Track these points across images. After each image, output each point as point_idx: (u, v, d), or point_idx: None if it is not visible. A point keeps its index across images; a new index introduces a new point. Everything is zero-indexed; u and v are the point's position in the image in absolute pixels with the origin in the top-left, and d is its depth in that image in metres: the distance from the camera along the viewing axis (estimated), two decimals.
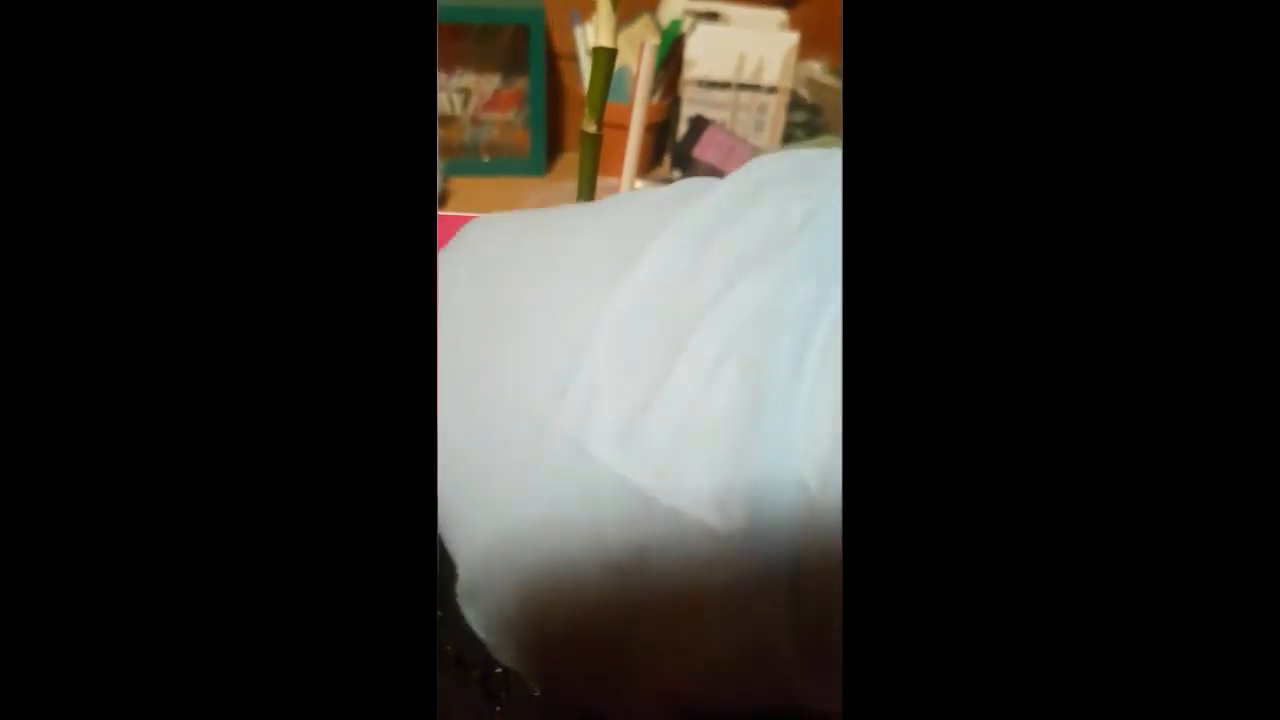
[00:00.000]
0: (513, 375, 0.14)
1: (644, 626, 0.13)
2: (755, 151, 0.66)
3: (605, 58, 0.21)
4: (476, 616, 0.15)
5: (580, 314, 0.14)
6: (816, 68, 0.73)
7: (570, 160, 0.79)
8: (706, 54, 0.69)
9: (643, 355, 0.13)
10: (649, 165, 0.76)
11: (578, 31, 0.72)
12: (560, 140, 0.81)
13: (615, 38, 0.22)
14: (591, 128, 0.22)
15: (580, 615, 0.13)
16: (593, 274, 0.14)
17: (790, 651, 0.12)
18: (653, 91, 0.71)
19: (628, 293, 0.14)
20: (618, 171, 0.58)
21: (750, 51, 0.69)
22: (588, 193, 0.24)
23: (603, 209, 0.17)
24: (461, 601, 0.15)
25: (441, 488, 0.15)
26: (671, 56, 0.70)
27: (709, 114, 0.70)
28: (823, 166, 0.15)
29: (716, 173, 0.68)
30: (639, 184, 0.73)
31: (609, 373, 0.13)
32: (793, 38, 0.69)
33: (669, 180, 0.74)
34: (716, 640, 0.12)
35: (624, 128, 0.52)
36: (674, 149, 0.72)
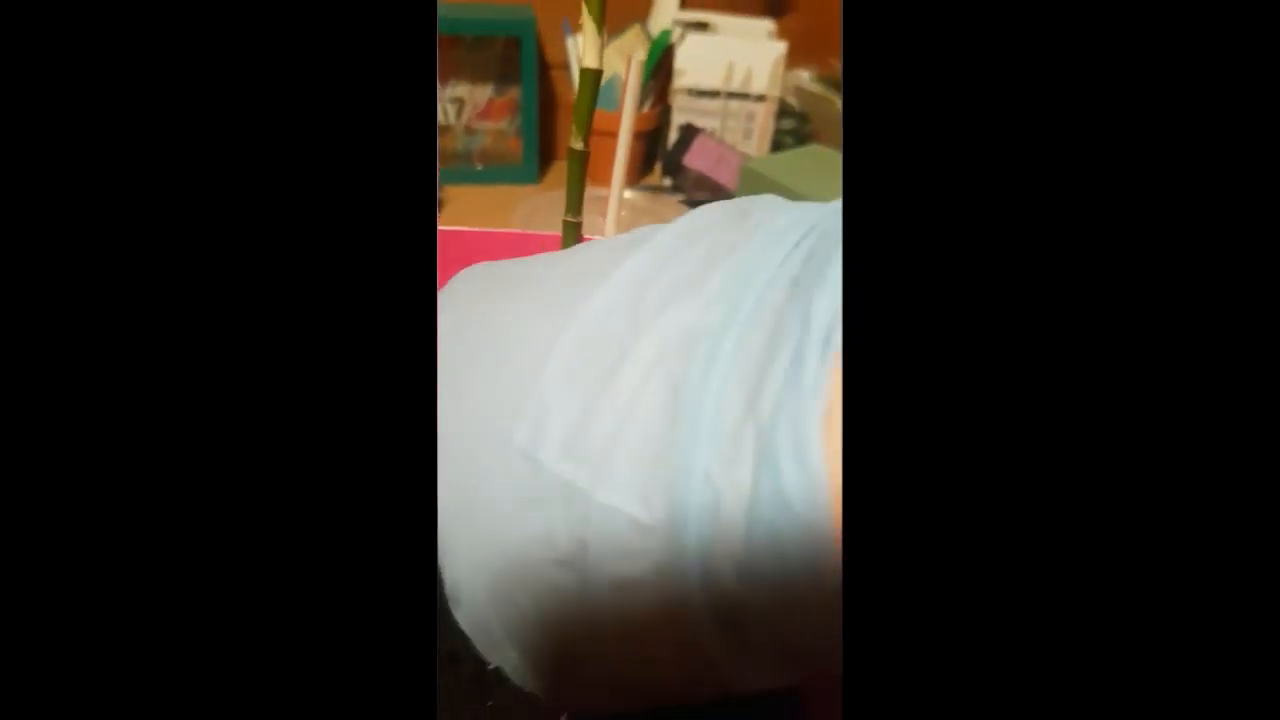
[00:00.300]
0: (476, 399, 0.16)
1: (591, 617, 0.14)
2: (745, 159, 0.66)
3: (591, 79, 0.22)
4: (463, 617, 0.16)
5: (534, 348, 0.16)
6: (805, 76, 0.74)
7: (563, 167, 0.80)
8: (696, 63, 0.70)
9: (586, 376, 0.15)
10: (640, 173, 0.77)
11: (569, 41, 0.73)
12: (553, 148, 0.82)
13: (601, 59, 0.23)
14: (579, 145, 0.23)
15: (541, 611, 0.15)
16: (550, 311, 0.16)
17: (712, 637, 0.14)
18: (643, 101, 0.72)
19: (576, 324, 0.16)
20: (608, 181, 0.59)
21: (739, 60, 0.70)
22: (575, 205, 0.24)
23: (567, 256, 0.19)
24: (450, 604, 0.16)
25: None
26: (661, 66, 0.71)
27: (699, 122, 0.71)
28: (752, 209, 0.17)
29: (706, 180, 0.69)
30: (628, 194, 0.73)
31: (557, 392, 0.15)
32: (781, 47, 0.70)
33: (660, 188, 0.74)
34: (650, 627, 0.14)
35: (614, 135, 0.53)
36: (664, 157, 0.72)
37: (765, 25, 0.74)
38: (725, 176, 0.68)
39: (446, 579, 0.16)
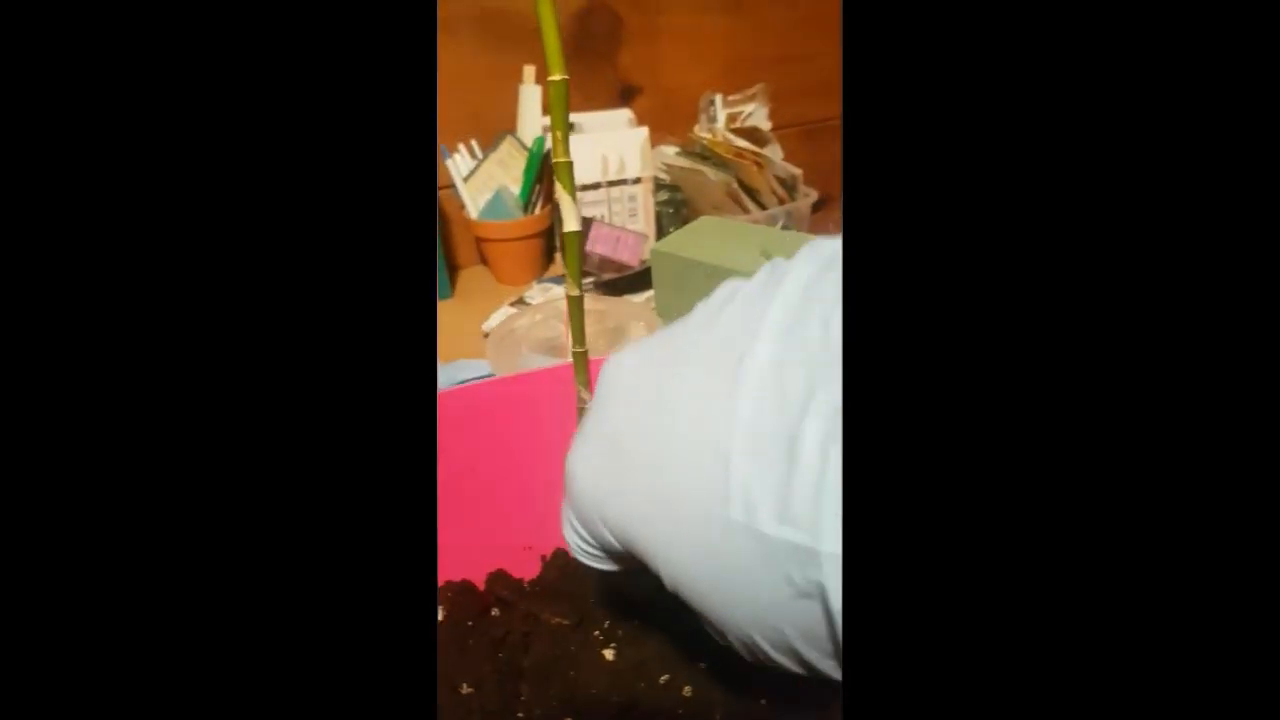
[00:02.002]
0: (677, 478, 0.18)
1: (837, 628, 0.16)
2: (642, 238, 0.73)
3: (575, 240, 0.28)
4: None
5: (713, 427, 0.18)
6: (669, 151, 0.82)
7: (469, 275, 0.84)
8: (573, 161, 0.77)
9: (769, 449, 0.17)
10: (543, 266, 0.82)
11: (449, 164, 0.78)
12: (454, 260, 0.86)
13: (579, 216, 0.28)
14: (574, 291, 0.28)
15: (799, 631, 0.17)
16: (711, 387, 0.19)
17: None
18: (532, 205, 0.78)
19: (743, 407, 0.17)
20: (517, 280, 0.63)
21: (610, 151, 0.77)
22: (580, 337, 0.29)
23: (702, 324, 0.21)
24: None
25: (663, 562, 0.19)
26: (543, 170, 0.77)
27: (589, 212, 0.77)
28: (833, 255, 0.19)
29: (610, 261, 0.75)
30: (538, 285, 0.77)
31: (751, 467, 0.17)
32: (643, 131, 0.78)
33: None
34: None
35: (512, 241, 0.58)
36: None
37: (625, 114, 0.82)
38: (626, 255, 0.75)
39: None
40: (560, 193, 0.28)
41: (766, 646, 0.18)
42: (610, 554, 0.23)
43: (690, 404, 0.19)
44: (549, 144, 0.77)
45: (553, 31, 0.26)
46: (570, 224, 0.28)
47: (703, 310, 0.22)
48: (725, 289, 0.22)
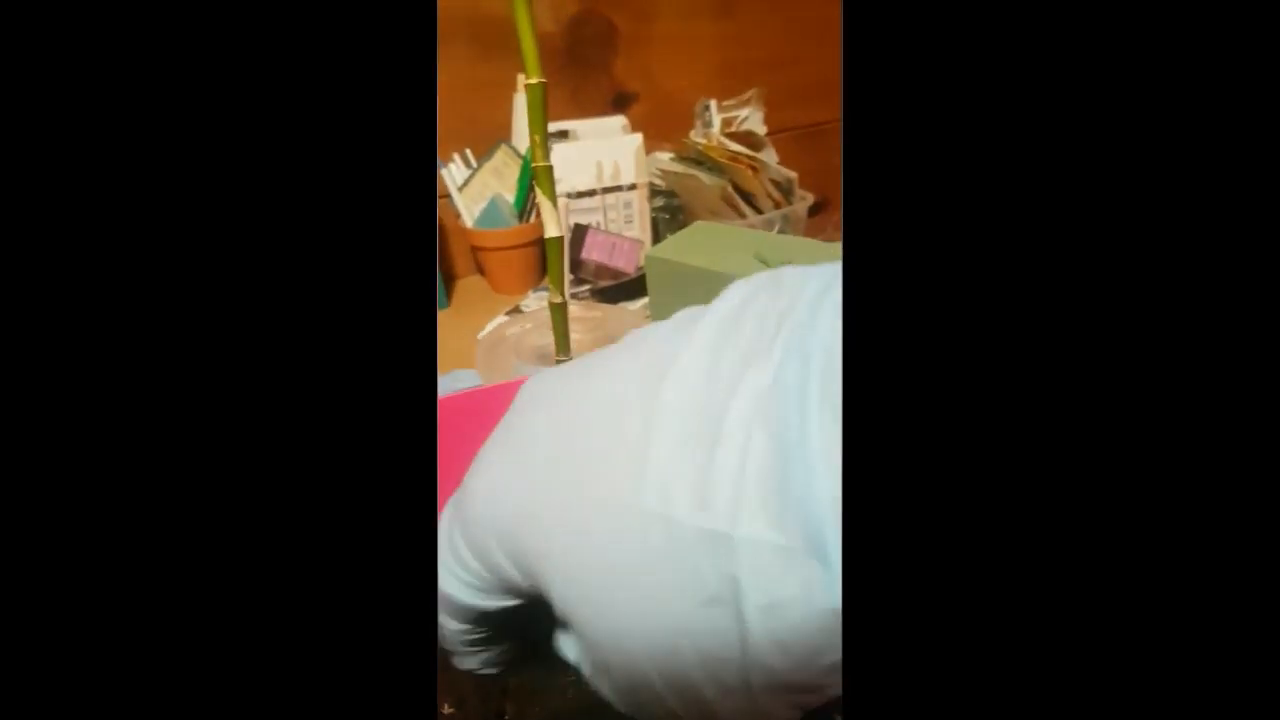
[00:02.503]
0: (591, 476, 0.18)
1: (750, 646, 0.16)
2: (637, 243, 0.73)
3: (556, 246, 0.27)
4: (616, 680, 0.18)
5: (631, 425, 0.18)
6: (664, 157, 0.82)
7: (465, 285, 0.84)
8: (568, 169, 0.77)
9: (691, 439, 0.17)
10: (542, 274, 0.82)
11: (444, 173, 0.78)
12: (451, 270, 0.86)
13: (561, 226, 0.28)
14: (558, 299, 0.28)
15: (700, 650, 0.16)
16: (638, 392, 0.18)
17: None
18: (527, 213, 0.77)
19: (668, 398, 0.17)
20: (514, 289, 0.62)
21: (604, 158, 0.77)
22: (564, 346, 0.29)
23: (631, 346, 0.20)
24: (595, 675, 0.19)
25: (561, 579, 0.18)
26: None
27: (584, 220, 0.77)
28: (783, 279, 0.20)
29: (606, 268, 0.75)
30: (534, 294, 0.77)
31: (670, 456, 0.17)
32: (637, 137, 0.78)
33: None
34: (803, 638, 0.16)
35: (510, 249, 0.58)
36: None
37: (619, 121, 0.82)
38: (621, 261, 0.75)
39: (590, 654, 0.18)
40: (541, 198, 0.27)
41: (656, 681, 0.17)
42: (500, 586, 0.21)
43: (611, 403, 0.18)
44: None
45: (529, 35, 0.25)
46: (551, 230, 0.28)
47: (633, 333, 0.21)
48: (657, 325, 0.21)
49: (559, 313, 0.28)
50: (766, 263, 0.50)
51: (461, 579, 0.21)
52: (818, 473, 0.15)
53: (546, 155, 0.27)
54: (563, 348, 0.29)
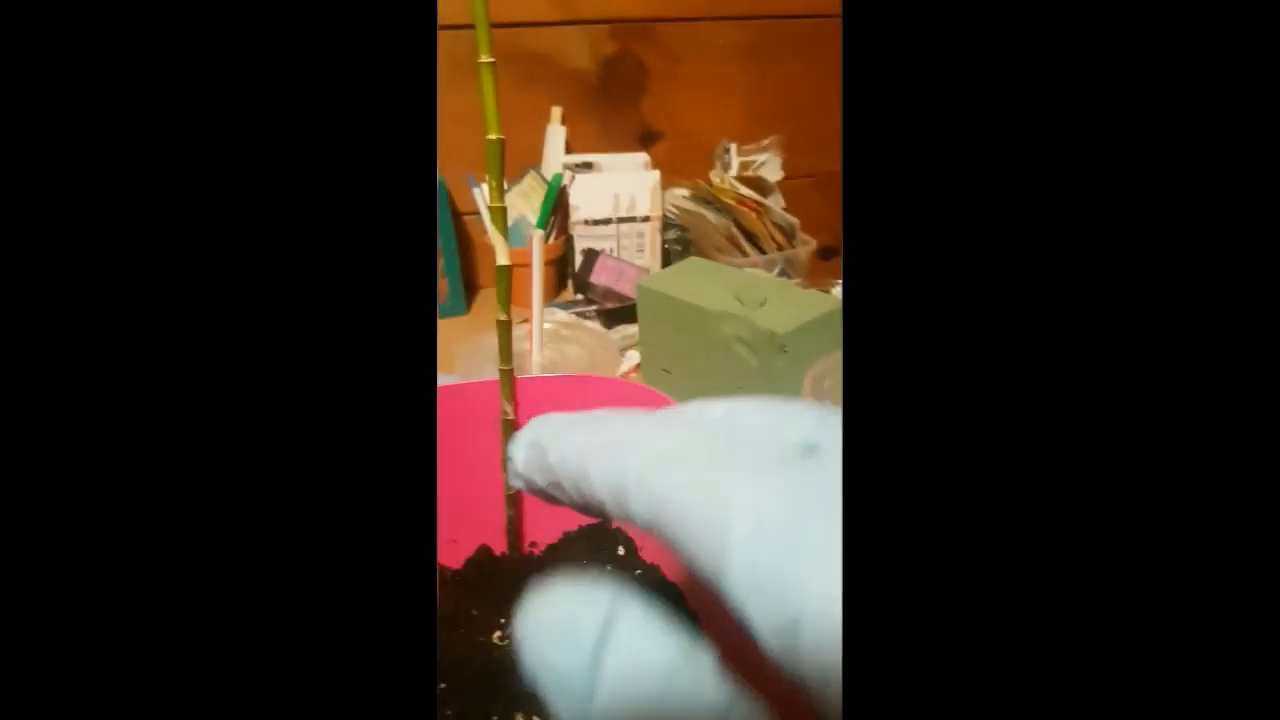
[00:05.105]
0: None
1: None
2: (642, 271, 0.78)
3: (505, 275, 0.33)
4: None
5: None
6: (680, 194, 0.87)
7: (486, 296, 0.90)
8: (587, 198, 0.83)
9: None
10: (555, 292, 0.88)
11: (475, 192, 0.84)
12: (474, 281, 0.92)
13: (508, 256, 0.33)
14: (502, 316, 0.33)
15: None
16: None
17: None
18: (548, 234, 0.84)
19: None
20: (530, 302, 0.68)
21: (623, 191, 0.83)
22: (506, 355, 0.34)
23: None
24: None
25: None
26: (559, 203, 0.83)
27: (597, 245, 0.83)
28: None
29: (612, 293, 0.80)
30: (546, 309, 0.83)
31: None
32: (656, 174, 0.84)
33: (574, 302, 0.84)
34: None
35: (526, 266, 0.63)
36: (574, 277, 0.84)
37: (641, 158, 0.88)
38: (627, 288, 0.80)
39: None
40: (493, 233, 0.33)
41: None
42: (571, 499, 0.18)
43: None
44: (566, 180, 0.83)
45: (491, 96, 0.31)
46: (501, 259, 0.33)
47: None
48: None
49: (504, 329, 0.34)
50: (742, 301, 0.55)
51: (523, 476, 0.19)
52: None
53: (502, 198, 0.32)
54: (505, 358, 0.35)
